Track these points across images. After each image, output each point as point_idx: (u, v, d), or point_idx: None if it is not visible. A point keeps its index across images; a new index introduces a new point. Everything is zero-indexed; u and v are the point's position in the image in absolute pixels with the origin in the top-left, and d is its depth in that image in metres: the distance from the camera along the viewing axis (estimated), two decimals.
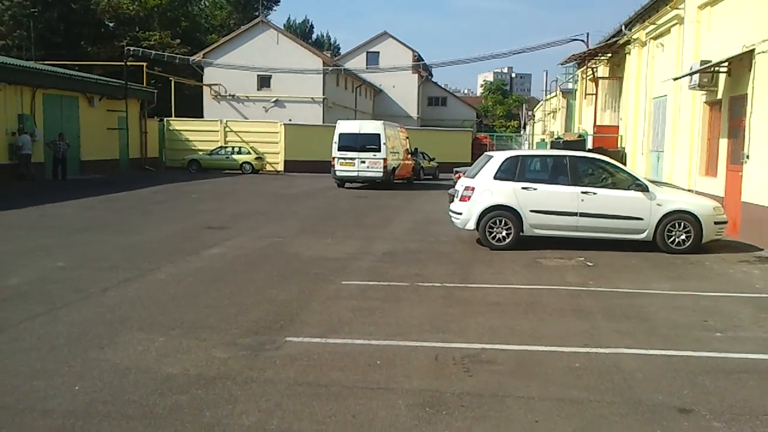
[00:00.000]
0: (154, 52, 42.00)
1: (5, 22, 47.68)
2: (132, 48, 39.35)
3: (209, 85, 46.32)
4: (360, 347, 6.30)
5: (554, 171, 12.46)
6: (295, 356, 6.00)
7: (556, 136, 34.68)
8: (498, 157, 12.47)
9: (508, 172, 12.16)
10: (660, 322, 7.37)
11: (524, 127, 71.31)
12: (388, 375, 5.59)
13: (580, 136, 26.12)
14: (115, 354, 5.96)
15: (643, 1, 21.24)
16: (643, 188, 11.85)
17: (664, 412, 4.93)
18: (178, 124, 39.03)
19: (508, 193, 11.98)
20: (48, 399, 4.94)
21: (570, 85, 40.50)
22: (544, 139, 51.69)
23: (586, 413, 4.88)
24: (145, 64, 38.58)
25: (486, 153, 13.74)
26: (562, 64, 32.95)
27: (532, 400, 5.10)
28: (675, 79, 16.76)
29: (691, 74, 15.20)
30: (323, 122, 43.03)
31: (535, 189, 12.01)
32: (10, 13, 47.40)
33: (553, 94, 49.23)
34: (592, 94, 28.04)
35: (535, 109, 70.03)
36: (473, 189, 12.14)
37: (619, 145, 24.32)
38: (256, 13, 61.00)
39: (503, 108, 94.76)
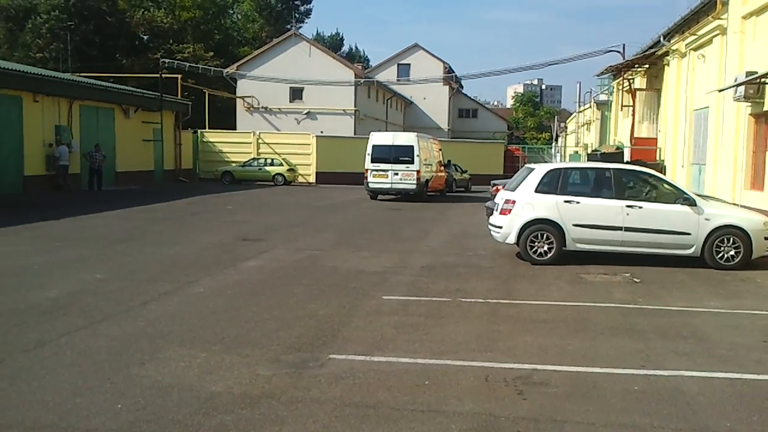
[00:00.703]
0: (188, 64, 42.38)
1: (43, 35, 48.53)
2: (167, 60, 39.76)
3: (242, 98, 46.61)
4: (406, 366, 6.09)
5: (597, 184, 12.16)
6: (340, 375, 5.81)
7: (593, 149, 34.22)
8: (539, 170, 12.21)
9: (550, 184, 11.89)
10: (717, 342, 7.06)
11: (556, 139, 70.75)
12: (437, 396, 5.37)
13: (617, 148, 25.70)
14: (156, 370, 5.82)
15: (682, 11, 20.88)
16: (691, 202, 11.51)
17: None
18: (211, 136, 39.30)
19: (550, 206, 11.71)
20: (91, 417, 4.81)
21: (604, 97, 40.04)
22: (577, 152, 51.22)
23: None
24: (179, 76, 38.93)
25: (526, 165, 13.48)
26: (598, 76, 32.58)
27: (592, 426, 4.85)
28: (720, 90, 16.38)
29: (736, 86, 14.82)
30: (354, 134, 43.05)
31: (578, 202, 11.72)
32: (48, 26, 48.23)
33: (587, 105, 48.73)
34: (629, 106, 27.60)
35: (567, 121, 69.53)
36: (514, 202, 11.89)
37: (657, 158, 23.89)
38: (288, 26, 61.46)
39: (534, 120, 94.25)
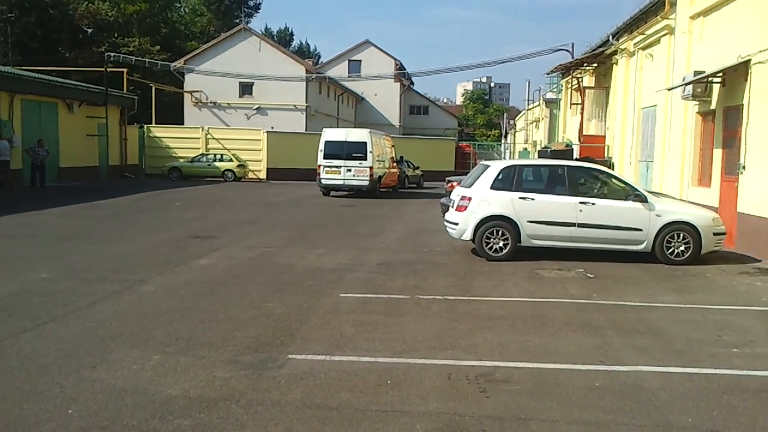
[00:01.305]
0: (134, 58, 41.42)
1: None
2: (112, 54, 38.74)
3: (190, 92, 45.74)
4: (367, 365, 5.99)
5: (552, 181, 12.26)
6: (300, 375, 5.68)
7: (543, 146, 34.60)
8: (495, 167, 12.24)
9: (505, 181, 11.93)
10: (673, 337, 7.14)
11: (505, 136, 71.48)
12: (401, 396, 5.28)
13: (567, 145, 26.03)
14: (108, 373, 5.60)
15: (629, 12, 21.21)
16: (642, 199, 11.68)
17: None
18: (158, 131, 38.46)
19: (506, 203, 11.75)
20: (40, 424, 4.58)
21: (553, 95, 40.56)
22: (527, 149, 51.82)
23: None
24: (125, 70, 38.00)
25: (482, 162, 13.51)
26: (548, 74, 32.98)
27: (557, 423, 4.82)
28: (669, 89, 16.66)
29: (684, 85, 15.10)
30: (306, 130, 42.68)
31: (532, 199, 11.78)
32: None
33: (536, 103, 49.31)
34: (578, 104, 27.97)
35: (516, 119, 70.28)
36: (470, 199, 11.88)
37: (606, 155, 24.25)
38: (237, 21, 60.60)
39: (484, 117, 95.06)
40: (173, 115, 45.21)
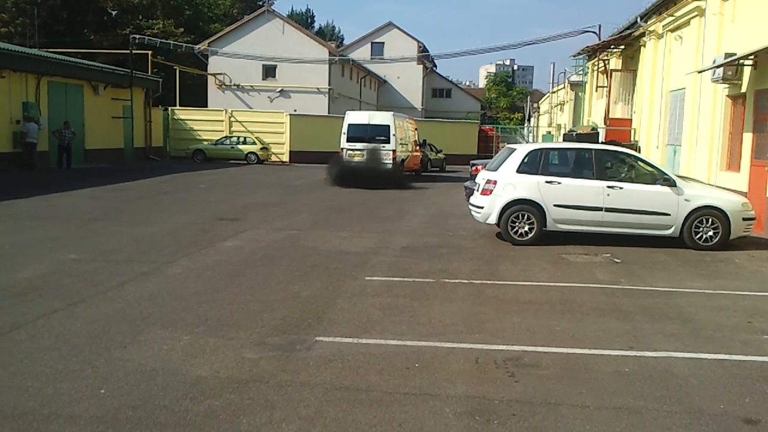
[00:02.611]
0: (158, 40, 41.53)
1: (8, 9, 47.21)
2: (136, 36, 38.86)
3: (214, 75, 45.85)
4: (395, 348, 6.00)
5: (578, 164, 12.12)
6: (328, 357, 5.70)
7: (568, 129, 34.28)
8: (521, 150, 12.14)
9: (532, 165, 11.83)
10: (703, 323, 7.06)
11: (529, 119, 70.92)
12: (429, 379, 5.28)
13: (592, 129, 25.75)
14: (139, 354, 5.66)
15: None
16: (671, 183, 11.53)
17: (729, 422, 4.64)
18: (182, 114, 38.67)
19: (532, 186, 11.66)
20: (73, 403, 4.64)
21: (578, 78, 40.10)
22: (550, 132, 51.39)
23: (649, 424, 4.57)
24: (150, 52, 38.12)
25: (507, 145, 13.42)
26: (574, 57, 32.48)
27: (587, 409, 4.80)
28: (699, 72, 16.40)
29: (715, 67, 14.85)
30: (328, 113, 42.63)
31: (559, 183, 11.68)
32: (13, 0, 46.91)
33: (561, 86, 48.82)
34: (604, 87, 27.63)
35: (540, 102, 69.68)
36: (495, 182, 11.81)
37: (632, 138, 23.98)
38: (260, 2, 60.50)
39: (507, 100, 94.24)
40: (197, 97, 45.39)
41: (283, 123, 37.74)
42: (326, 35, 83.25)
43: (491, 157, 17.44)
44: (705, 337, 6.55)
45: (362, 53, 60.57)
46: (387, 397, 4.91)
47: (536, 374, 5.46)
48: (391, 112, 26.89)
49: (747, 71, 14.42)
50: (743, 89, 14.65)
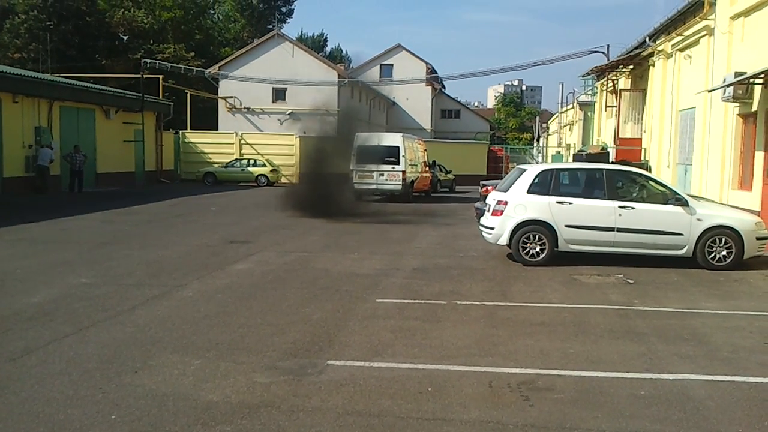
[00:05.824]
0: (169, 64, 41.94)
1: (21, 35, 47.83)
2: (148, 60, 39.26)
3: (224, 98, 46.16)
4: (407, 372, 5.94)
5: (590, 185, 12.08)
6: (340, 382, 5.65)
7: (578, 149, 34.23)
8: (531, 171, 12.11)
9: (542, 185, 11.79)
10: (719, 344, 6.97)
11: (538, 140, 70.93)
12: (442, 404, 5.22)
13: (603, 148, 25.72)
14: (150, 379, 5.63)
15: (662, 11, 20.93)
16: (683, 202, 11.46)
17: None
18: (193, 137, 38.91)
19: (543, 207, 11.61)
20: (84, 430, 4.61)
21: (586, 98, 40.12)
22: (560, 152, 51.34)
23: None
24: (161, 76, 38.48)
25: (518, 166, 13.39)
26: (582, 77, 32.54)
27: None
28: (709, 91, 16.37)
29: (725, 86, 14.81)
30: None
31: (570, 203, 11.63)
32: (26, 26, 47.54)
33: (570, 106, 48.84)
34: (613, 106, 27.64)
35: (549, 122, 69.72)
36: (506, 203, 11.77)
37: (642, 158, 23.92)
38: (270, 26, 61.02)
39: (516, 120, 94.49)
40: (208, 120, 45.71)
41: (292, 145, 37.86)
42: (336, 57, 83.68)
43: (501, 178, 17.45)
44: (721, 359, 6.46)
45: (371, 75, 60.80)
46: (400, 422, 4.85)
47: (551, 398, 5.39)
48: (401, 133, 26.97)
49: (758, 90, 14.39)
50: (754, 108, 14.61)
